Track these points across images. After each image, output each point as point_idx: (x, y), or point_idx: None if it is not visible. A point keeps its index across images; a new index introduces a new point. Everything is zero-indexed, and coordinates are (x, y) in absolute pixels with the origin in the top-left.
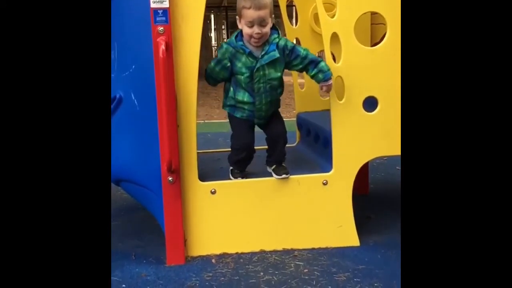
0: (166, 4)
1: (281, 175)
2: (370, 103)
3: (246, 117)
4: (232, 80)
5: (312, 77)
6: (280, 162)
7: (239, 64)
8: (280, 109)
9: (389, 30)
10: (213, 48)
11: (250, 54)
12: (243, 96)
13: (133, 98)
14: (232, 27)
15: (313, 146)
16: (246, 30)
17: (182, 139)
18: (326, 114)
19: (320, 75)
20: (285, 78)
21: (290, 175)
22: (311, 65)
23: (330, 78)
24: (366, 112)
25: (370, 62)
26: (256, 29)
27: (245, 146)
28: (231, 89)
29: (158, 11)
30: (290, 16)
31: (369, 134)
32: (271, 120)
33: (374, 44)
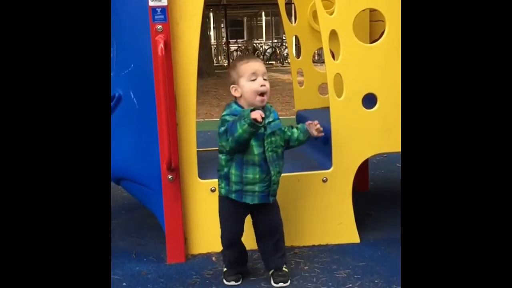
0: (164, 2)
1: (277, 283)
2: (370, 100)
3: (258, 200)
4: (235, 159)
5: (298, 135)
6: (280, 267)
7: None
8: (279, 107)
9: (388, 27)
10: (212, 46)
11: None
12: (254, 173)
13: (132, 96)
14: (232, 25)
15: (312, 144)
16: (251, 86)
17: (182, 137)
18: (325, 111)
19: (300, 127)
20: (284, 76)
21: (290, 172)
22: (290, 128)
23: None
24: (366, 109)
25: (369, 59)
26: (261, 81)
27: (236, 237)
28: (234, 171)
29: (157, 9)
30: (289, 14)
31: (368, 131)
32: (270, 206)
33: (373, 41)
